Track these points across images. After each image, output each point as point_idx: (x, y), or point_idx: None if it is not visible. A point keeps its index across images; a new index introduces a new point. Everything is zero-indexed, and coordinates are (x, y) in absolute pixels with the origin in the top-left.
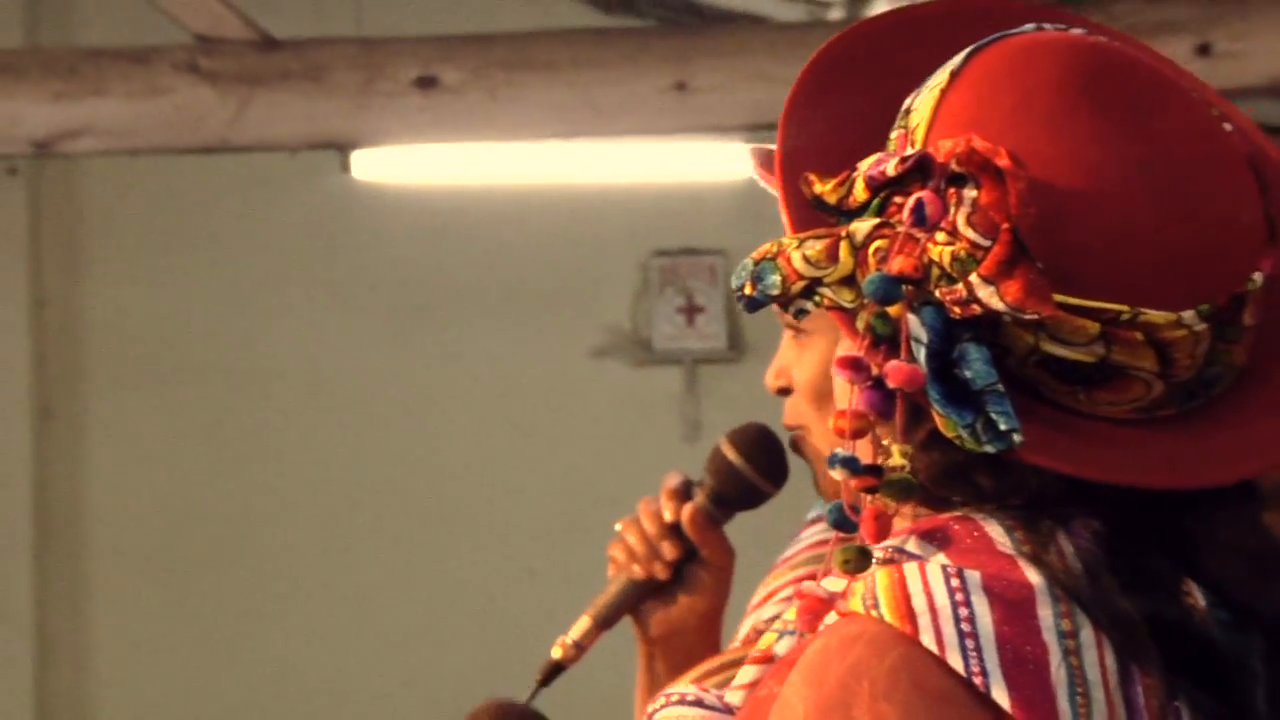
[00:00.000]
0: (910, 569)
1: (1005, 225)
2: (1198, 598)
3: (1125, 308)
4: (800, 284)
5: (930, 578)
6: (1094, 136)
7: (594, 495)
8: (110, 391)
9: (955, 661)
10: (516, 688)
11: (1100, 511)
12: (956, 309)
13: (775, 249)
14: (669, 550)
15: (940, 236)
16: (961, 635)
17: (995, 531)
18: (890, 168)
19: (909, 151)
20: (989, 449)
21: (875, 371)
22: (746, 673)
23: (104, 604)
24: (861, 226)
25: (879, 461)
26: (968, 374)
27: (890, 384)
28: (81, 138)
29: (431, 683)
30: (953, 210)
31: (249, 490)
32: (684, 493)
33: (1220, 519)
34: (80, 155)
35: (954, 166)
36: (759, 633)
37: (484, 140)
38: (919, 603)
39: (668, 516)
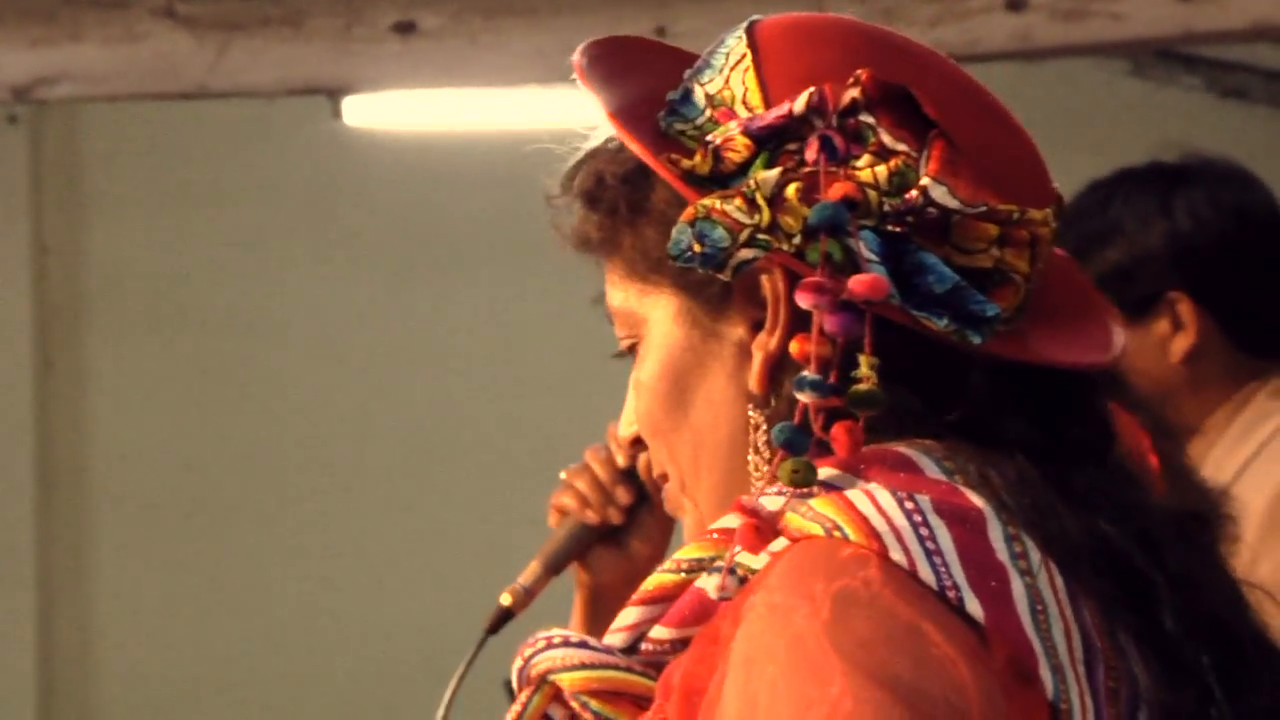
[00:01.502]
0: (855, 494)
1: (935, 132)
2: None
3: (1015, 207)
4: (746, 232)
5: (882, 501)
6: (920, 72)
7: (594, 440)
8: (112, 340)
9: (927, 576)
10: (524, 632)
11: (1009, 438)
12: (909, 218)
13: (704, 210)
14: (623, 495)
15: (862, 161)
16: (928, 552)
17: (924, 461)
18: (799, 104)
19: (756, 112)
20: (975, 340)
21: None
22: (629, 614)
23: (107, 553)
24: (767, 176)
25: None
26: (929, 279)
27: (857, 297)
28: (59, 84)
29: (436, 628)
30: (870, 136)
31: (251, 437)
32: (634, 440)
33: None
34: (58, 102)
35: (859, 96)
36: None
37: (463, 86)
38: (879, 523)
39: (621, 462)
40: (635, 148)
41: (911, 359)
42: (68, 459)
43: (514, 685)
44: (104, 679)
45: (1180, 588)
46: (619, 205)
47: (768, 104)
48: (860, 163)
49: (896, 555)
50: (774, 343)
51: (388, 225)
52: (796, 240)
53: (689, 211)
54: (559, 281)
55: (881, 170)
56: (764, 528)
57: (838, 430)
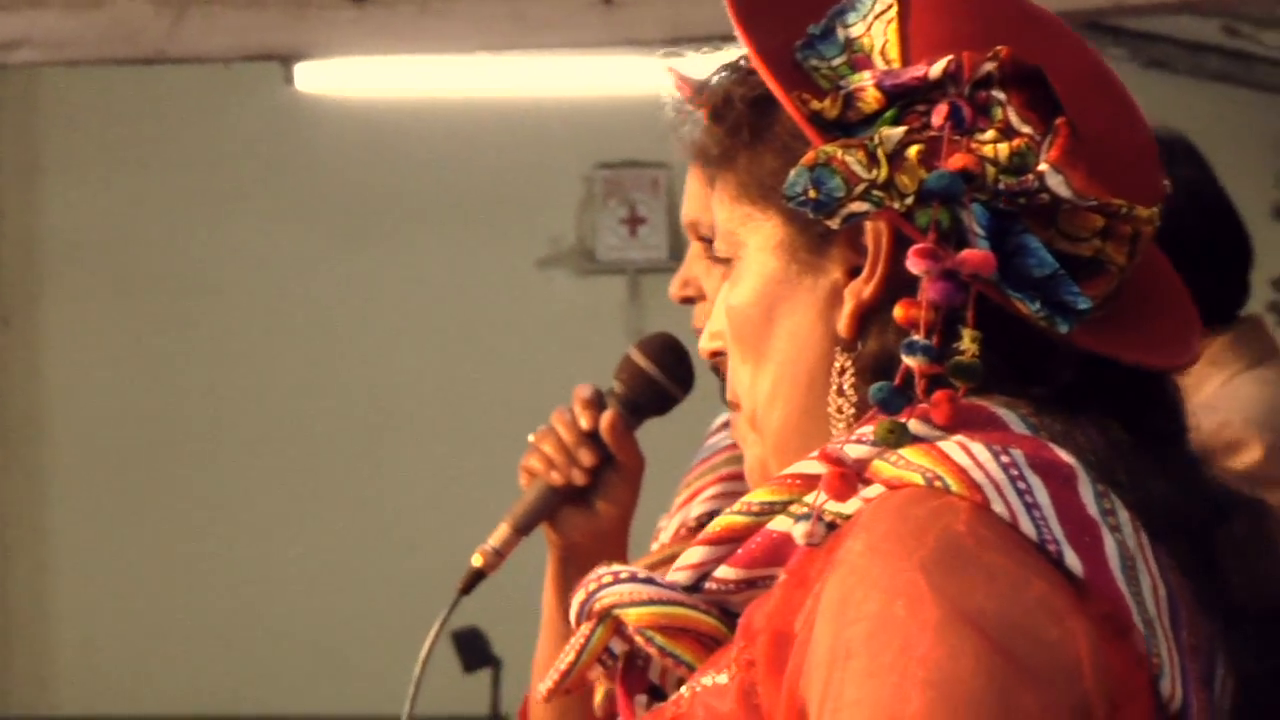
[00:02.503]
0: (949, 446)
1: (1062, 120)
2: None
3: (1124, 202)
4: (861, 186)
5: (978, 454)
6: (1057, 53)
7: (540, 401)
8: (67, 300)
9: (1028, 529)
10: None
11: (1093, 407)
12: (1021, 199)
13: (824, 156)
14: (586, 457)
15: (987, 135)
16: (1027, 506)
17: (1009, 417)
18: (936, 70)
19: (895, 69)
20: (1063, 328)
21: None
22: (694, 553)
23: (61, 508)
24: (892, 133)
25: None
26: (1030, 262)
27: (966, 270)
28: (20, 49)
29: (379, 582)
30: (997, 112)
31: (201, 395)
32: (597, 402)
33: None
34: (19, 66)
35: (994, 71)
36: (690, 530)
37: (414, 53)
38: (978, 475)
39: (584, 424)
40: (769, 81)
41: (1001, 330)
42: (23, 417)
43: (571, 619)
44: (60, 633)
45: (1249, 559)
46: (742, 127)
47: (905, 60)
48: (984, 136)
49: (998, 507)
50: (868, 291)
51: (338, 189)
52: (909, 200)
53: (809, 156)
54: (508, 246)
55: (1003, 148)
56: (849, 475)
57: (939, 397)
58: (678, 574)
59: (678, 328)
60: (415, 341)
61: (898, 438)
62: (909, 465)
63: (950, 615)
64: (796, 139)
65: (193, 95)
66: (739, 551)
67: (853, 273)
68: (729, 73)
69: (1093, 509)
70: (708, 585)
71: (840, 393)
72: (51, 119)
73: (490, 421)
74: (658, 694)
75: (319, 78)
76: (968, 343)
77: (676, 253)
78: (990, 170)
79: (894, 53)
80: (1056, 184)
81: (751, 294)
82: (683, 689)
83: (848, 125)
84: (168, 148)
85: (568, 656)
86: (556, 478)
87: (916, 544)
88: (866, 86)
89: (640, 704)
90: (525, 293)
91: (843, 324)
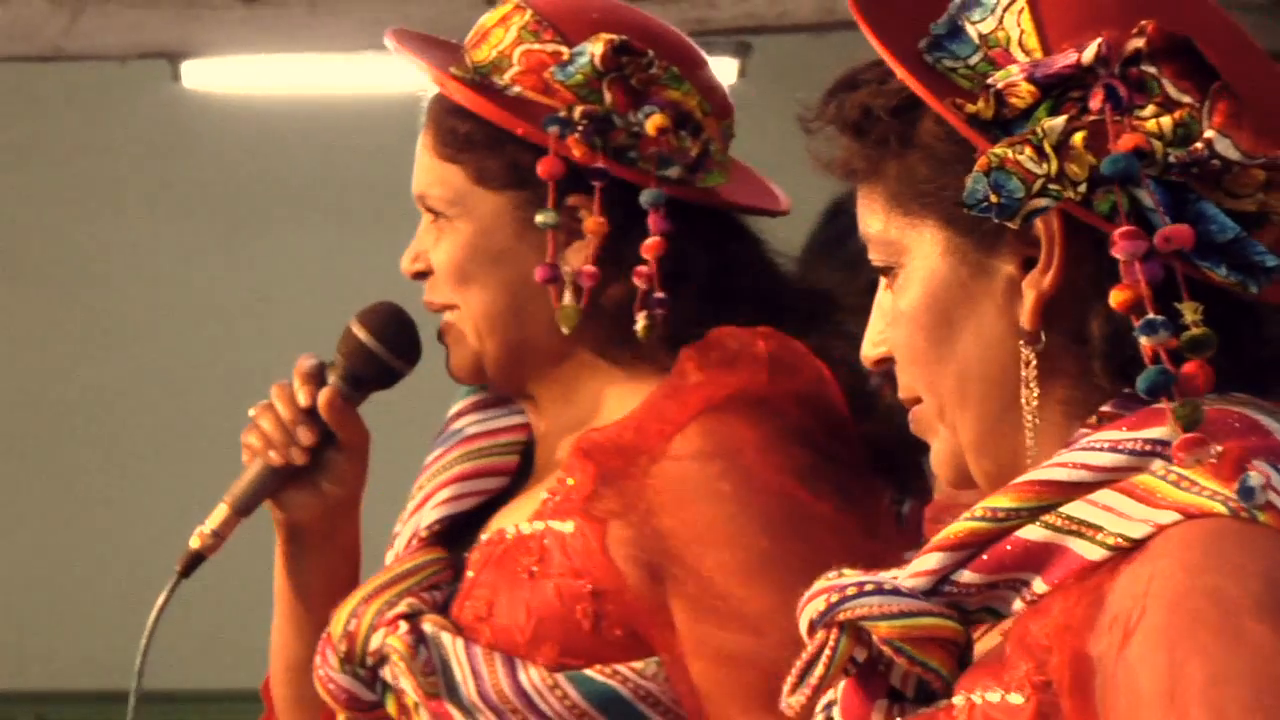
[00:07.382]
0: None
1: (1217, 83)
2: None
3: None
4: (1039, 182)
5: (1274, 480)
6: (1190, 15)
7: (420, 391)
8: None
9: None
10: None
11: None
12: (1193, 169)
13: (997, 159)
14: (305, 435)
15: (1147, 111)
16: None
17: (1269, 424)
18: (1088, 55)
19: (1028, 60)
20: (1253, 289)
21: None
22: (931, 559)
23: None
24: (1054, 124)
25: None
26: (1212, 229)
27: (1171, 247)
28: None
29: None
30: (1154, 87)
31: (85, 387)
32: (318, 375)
33: None
34: None
35: (1143, 46)
36: (423, 540)
37: (304, 52)
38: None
39: (303, 401)
40: (921, 91)
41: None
42: None
43: (804, 626)
44: None
45: None
46: (888, 138)
47: (1045, 49)
48: (1145, 113)
49: None
50: (1048, 281)
51: (221, 184)
52: (1082, 188)
53: (983, 161)
54: (386, 240)
55: (1166, 121)
56: (1202, 440)
57: (1191, 368)
58: (915, 580)
59: None
60: (299, 336)
61: (1194, 416)
62: (1201, 490)
63: None
64: (941, 140)
65: (79, 92)
66: (984, 557)
67: (1026, 264)
68: (856, 86)
69: None
70: (946, 589)
71: (1027, 385)
72: None
73: (374, 410)
74: (896, 696)
75: (206, 75)
76: (1191, 316)
77: None
78: (1158, 145)
79: (1033, 42)
80: (1225, 148)
81: (923, 299)
82: (955, 699)
83: (1004, 123)
84: (54, 144)
85: (816, 670)
86: (275, 457)
87: (1240, 585)
88: (1018, 81)
89: (880, 708)
90: (408, 286)
91: (1025, 317)
